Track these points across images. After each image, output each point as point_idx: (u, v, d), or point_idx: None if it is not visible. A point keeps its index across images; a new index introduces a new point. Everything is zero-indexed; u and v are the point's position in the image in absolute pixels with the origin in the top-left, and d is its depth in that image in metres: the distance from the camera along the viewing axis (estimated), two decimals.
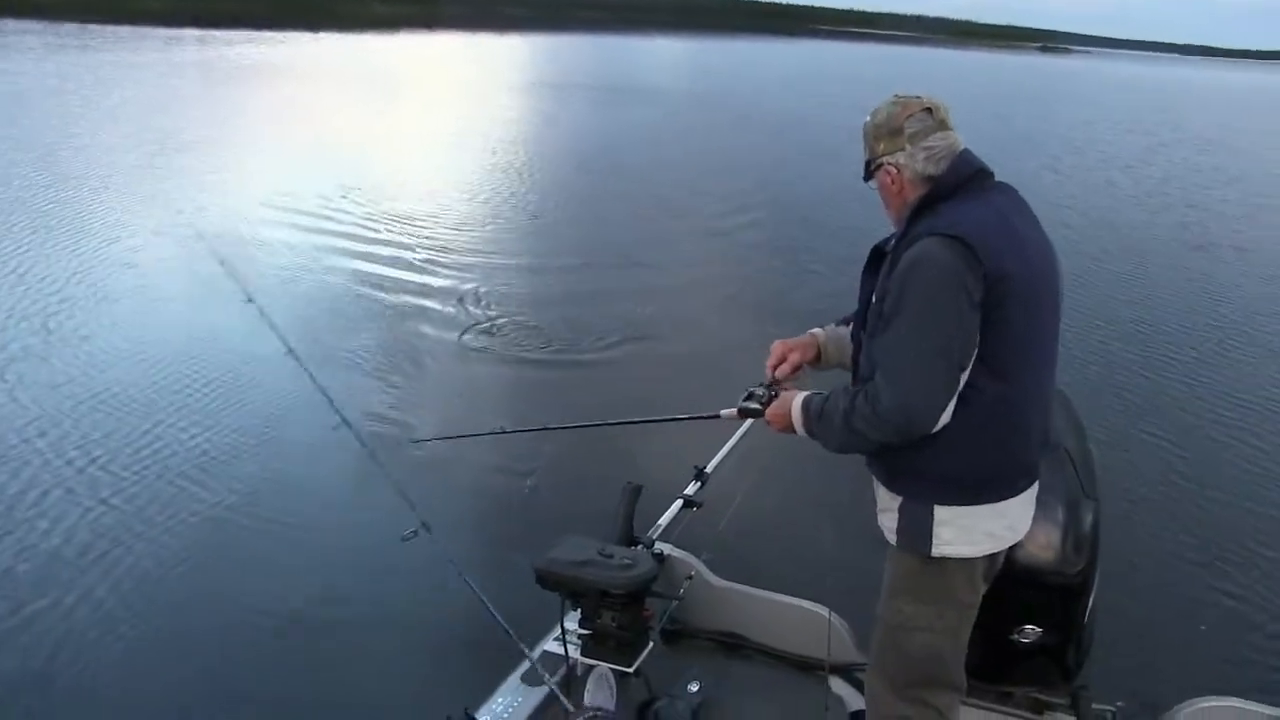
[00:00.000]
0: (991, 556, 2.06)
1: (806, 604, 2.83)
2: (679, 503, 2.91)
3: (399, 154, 15.98)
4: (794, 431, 2.13)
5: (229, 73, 26.94)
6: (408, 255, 9.63)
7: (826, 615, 2.67)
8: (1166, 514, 5.15)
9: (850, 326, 2.36)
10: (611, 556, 2.38)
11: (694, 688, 2.65)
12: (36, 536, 4.38)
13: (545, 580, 2.37)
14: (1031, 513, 2.10)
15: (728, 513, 2.97)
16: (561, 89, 28.14)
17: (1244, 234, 13.08)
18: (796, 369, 2.36)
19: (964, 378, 1.86)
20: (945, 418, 1.87)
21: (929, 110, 1.97)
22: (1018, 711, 2.54)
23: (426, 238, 10.35)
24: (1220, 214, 14.35)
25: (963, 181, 1.94)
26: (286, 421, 5.63)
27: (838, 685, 2.64)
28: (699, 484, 2.96)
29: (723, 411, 2.37)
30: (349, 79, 28.17)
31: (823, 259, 10.06)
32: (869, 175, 2.06)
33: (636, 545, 2.69)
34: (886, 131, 1.97)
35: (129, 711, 3.42)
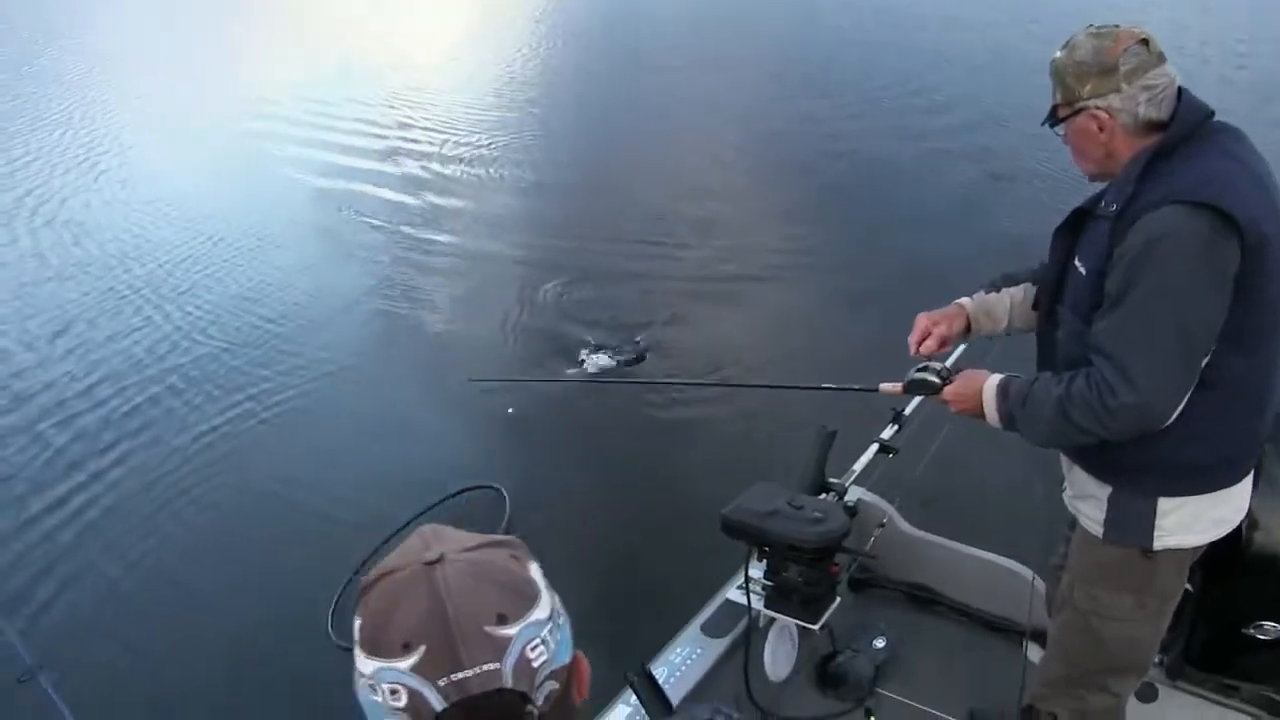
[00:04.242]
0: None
1: (1008, 562, 2.66)
2: (874, 447, 2.76)
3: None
4: (979, 415, 1.90)
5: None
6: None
7: (1030, 577, 2.50)
8: None
9: (1000, 291, 2.11)
10: (802, 508, 2.27)
11: (880, 643, 2.58)
12: None
13: (731, 528, 2.30)
14: (1251, 488, 1.85)
15: (925, 458, 2.79)
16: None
17: None
18: (944, 344, 2.09)
19: (1205, 360, 1.64)
20: (1179, 409, 1.66)
21: (1144, 42, 1.66)
22: (1246, 707, 2.35)
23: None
24: None
25: (1194, 128, 1.64)
26: None
27: (1035, 653, 2.48)
28: (896, 427, 2.78)
29: (883, 385, 2.13)
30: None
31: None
32: (1059, 120, 1.76)
33: (828, 492, 2.57)
34: (1095, 69, 1.66)
35: None
